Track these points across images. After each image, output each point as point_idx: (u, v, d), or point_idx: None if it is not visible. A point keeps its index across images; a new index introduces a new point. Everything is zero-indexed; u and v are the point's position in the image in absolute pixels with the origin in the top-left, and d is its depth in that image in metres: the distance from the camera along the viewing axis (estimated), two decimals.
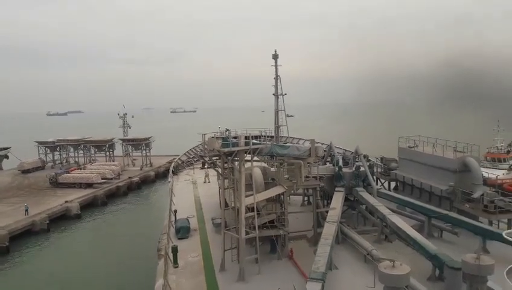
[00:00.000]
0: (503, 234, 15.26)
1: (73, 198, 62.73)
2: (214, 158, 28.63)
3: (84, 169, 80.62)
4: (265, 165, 33.41)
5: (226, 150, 25.33)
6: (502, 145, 61.42)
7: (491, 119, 69.18)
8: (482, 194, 29.84)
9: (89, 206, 63.83)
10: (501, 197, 29.08)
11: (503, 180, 38.97)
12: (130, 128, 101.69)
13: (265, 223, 27.90)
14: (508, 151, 60.54)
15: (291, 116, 53.81)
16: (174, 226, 35.77)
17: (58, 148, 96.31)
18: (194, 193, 51.21)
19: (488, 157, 59.02)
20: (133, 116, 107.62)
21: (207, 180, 55.94)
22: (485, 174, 35.30)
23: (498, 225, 30.48)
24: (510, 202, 28.80)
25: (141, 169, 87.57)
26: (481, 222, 29.19)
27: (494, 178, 37.93)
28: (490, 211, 29.05)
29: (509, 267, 14.34)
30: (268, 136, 51.57)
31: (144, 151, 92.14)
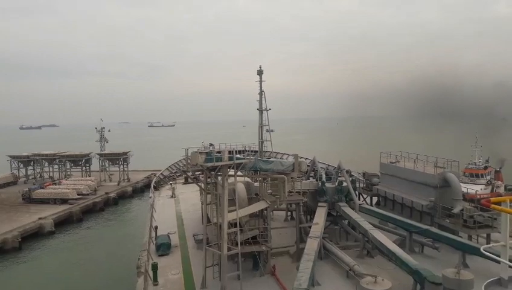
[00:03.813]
0: (481, 249, 15.44)
1: (48, 214, 60.69)
2: (197, 173, 28.23)
3: (59, 184, 78.43)
4: (248, 180, 33.16)
5: (209, 165, 24.99)
6: (479, 161, 63.30)
7: (467, 136, 71.23)
8: (462, 210, 30.31)
9: (64, 222, 61.84)
10: (480, 213, 29.60)
11: (481, 195, 39.94)
12: (107, 142, 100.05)
13: (248, 239, 27.54)
14: (486, 167, 62.43)
15: (272, 130, 54.00)
16: (154, 242, 35.00)
17: (32, 163, 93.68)
18: (175, 208, 50.33)
19: (466, 173, 60.55)
20: (109, 130, 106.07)
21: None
22: (464, 190, 35.97)
23: (477, 239, 30.98)
24: (489, 217, 29.33)
25: (118, 184, 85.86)
26: (461, 237, 29.63)
27: (473, 193, 38.73)
28: (470, 226, 29.52)
29: (487, 281, 14.50)
30: (252, 151, 51.61)
31: (122, 166, 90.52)
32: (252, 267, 28.52)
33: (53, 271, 45.38)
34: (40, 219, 58.54)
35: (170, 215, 46.75)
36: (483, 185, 56.41)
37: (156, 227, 38.15)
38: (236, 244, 25.95)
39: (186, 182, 63.44)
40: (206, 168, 25.42)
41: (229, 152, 26.30)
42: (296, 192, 32.15)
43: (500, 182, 62.26)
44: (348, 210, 32.77)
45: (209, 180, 26.95)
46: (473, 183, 55.88)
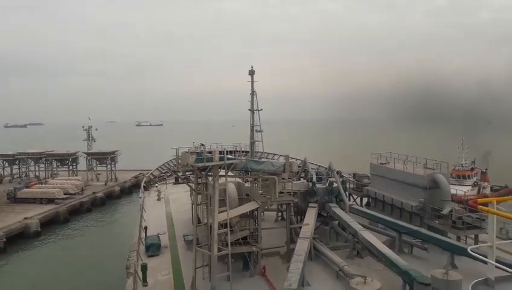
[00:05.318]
0: (468, 250, 15.58)
1: (33, 214, 59.63)
2: (187, 173, 28.01)
3: (45, 184, 77.22)
4: (239, 180, 33.03)
5: (200, 165, 24.79)
6: (466, 163, 64.42)
7: (453, 138, 72.32)
8: (451, 211, 30.60)
9: (50, 223, 60.85)
10: (469, 214, 29.93)
11: (469, 197, 40.57)
12: (94, 141, 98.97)
13: (238, 239, 27.41)
14: (472, 169, 63.61)
15: (262, 131, 53.85)
16: (144, 243, 34.68)
17: (17, 162, 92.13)
18: (165, 209, 49.92)
19: (453, 175, 61.47)
20: (96, 129, 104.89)
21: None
22: (453, 191, 36.36)
23: (466, 240, 31.30)
24: (477, 218, 29.66)
25: (106, 184, 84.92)
26: (450, 238, 29.91)
27: (461, 194, 39.22)
28: (458, 227, 29.86)
29: (474, 281, 14.67)
30: (243, 151, 51.39)
31: (109, 166, 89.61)
32: (242, 268, 28.38)
33: (39, 272, 44.65)
34: (25, 218, 57.50)
35: (160, 215, 46.35)
36: (470, 186, 57.37)
37: (146, 227, 37.77)
38: (227, 245, 25.80)
39: (176, 182, 63.01)
40: (197, 169, 25.23)
41: (220, 152, 26.16)
42: (287, 192, 32.14)
43: (486, 183, 63.41)
44: (338, 211, 32.83)
45: (199, 180, 26.75)
46: (460, 185, 56.71)
